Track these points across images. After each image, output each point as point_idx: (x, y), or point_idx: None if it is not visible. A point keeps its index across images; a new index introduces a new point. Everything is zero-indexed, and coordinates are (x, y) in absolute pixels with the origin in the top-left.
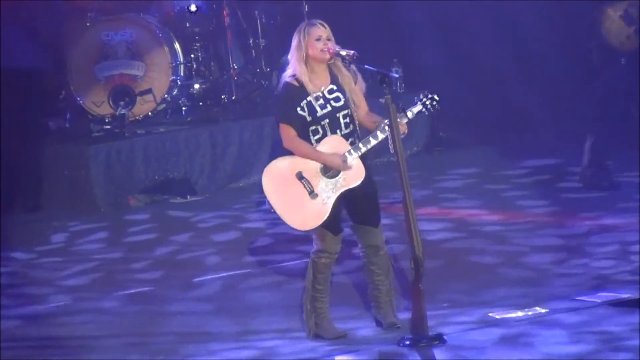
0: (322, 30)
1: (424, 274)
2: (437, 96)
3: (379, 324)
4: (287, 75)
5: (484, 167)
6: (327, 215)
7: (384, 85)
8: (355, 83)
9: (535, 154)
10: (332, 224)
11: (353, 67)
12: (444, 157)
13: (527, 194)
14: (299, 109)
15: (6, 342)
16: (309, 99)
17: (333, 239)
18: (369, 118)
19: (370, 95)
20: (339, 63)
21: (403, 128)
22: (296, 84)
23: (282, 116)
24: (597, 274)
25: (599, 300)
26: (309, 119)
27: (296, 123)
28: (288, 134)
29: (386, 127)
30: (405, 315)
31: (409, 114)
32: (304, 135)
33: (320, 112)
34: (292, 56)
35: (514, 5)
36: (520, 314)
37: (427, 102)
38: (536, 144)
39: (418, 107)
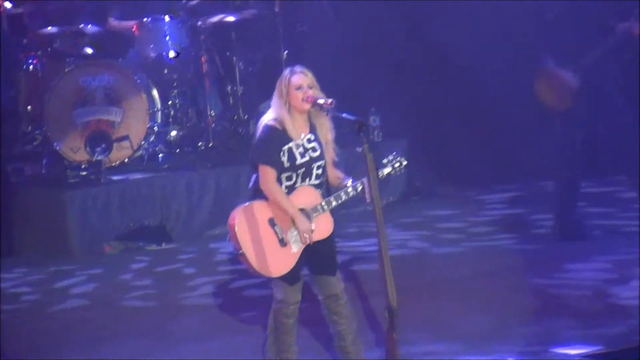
0: (302, 79)
1: (397, 321)
2: (405, 161)
3: None
4: (269, 119)
5: (460, 216)
6: (293, 265)
7: (362, 134)
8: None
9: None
10: (291, 273)
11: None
12: (420, 206)
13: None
14: (282, 153)
15: None
16: (290, 145)
17: (292, 289)
18: (333, 172)
19: (346, 145)
20: (320, 113)
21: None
22: (279, 127)
23: (264, 157)
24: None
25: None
26: (286, 165)
27: (277, 166)
28: (268, 176)
29: (358, 185)
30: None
31: (379, 174)
32: (277, 178)
33: (299, 161)
34: (275, 102)
35: (490, 56)
36: None
37: (396, 165)
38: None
39: (388, 169)
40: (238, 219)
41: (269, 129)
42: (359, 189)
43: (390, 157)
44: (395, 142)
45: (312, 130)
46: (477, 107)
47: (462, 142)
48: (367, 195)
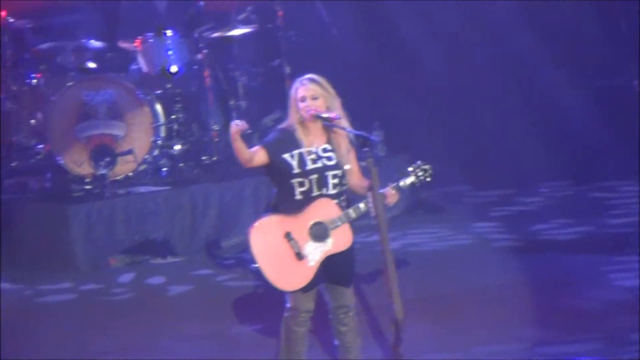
0: (306, 90)
1: (403, 333)
2: (429, 167)
3: None
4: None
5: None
6: (311, 278)
7: (366, 148)
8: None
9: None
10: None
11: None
12: (426, 219)
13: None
14: (287, 154)
15: None
16: (302, 150)
17: (305, 297)
18: (360, 182)
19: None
20: (338, 127)
21: (394, 198)
22: (289, 132)
23: (265, 141)
24: None
25: None
26: (297, 170)
27: (278, 157)
28: (255, 150)
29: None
30: None
31: (402, 184)
32: (288, 184)
33: (310, 166)
34: (289, 111)
35: (493, 65)
36: None
37: (420, 174)
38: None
39: (411, 179)
40: (254, 234)
41: (280, 129)
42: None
43: (413, 167)
44: (400, 156)
45: (329, 140)
46: (480, 120)
47: (468, 153)
48: (372, 210)
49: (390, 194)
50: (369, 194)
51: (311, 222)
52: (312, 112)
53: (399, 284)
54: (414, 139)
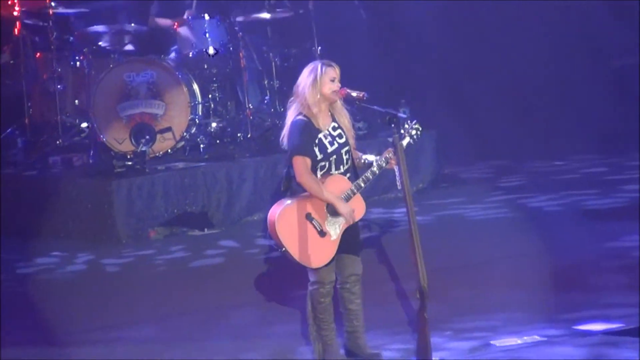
0: (335, 72)
1: (428, 302)
2: (418, 125)
3: (349, 354)
4: (295, 115)
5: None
6: (335, 252)
7: (392, 125)
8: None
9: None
10: None
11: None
12: (449, 193)
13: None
14: (313, 144)
15: None
16: (320, 136)
17: (328, 269)
18: (356, 155)
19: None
20: (339, 103)
21: (394, 162)
22: (308, 120)
23: (300, 149)
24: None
25: (598, 329)
26: (320, 156)
27: (312, 155)
28: (304, 166)
29: (384, 164)
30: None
31: (400, 146)
32: (313, 170)
33: (330, 149)
34: (305, 92)
35: (518, 47)
36: (519, 341)
37: (413, 133)
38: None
39: (406, 140)
40: (278, 220)
41: (301, 122)
42: (384, 164)
43: (407, 126)
44: (425, 132)
45: (334, 119)
46: (506, 97)
47: (490, 131)
48: (399, 182)
49: (394, 158)
50: (396, 170)
51: None
52: (344, 91)
53: (423, 254)
54: (436, 117)
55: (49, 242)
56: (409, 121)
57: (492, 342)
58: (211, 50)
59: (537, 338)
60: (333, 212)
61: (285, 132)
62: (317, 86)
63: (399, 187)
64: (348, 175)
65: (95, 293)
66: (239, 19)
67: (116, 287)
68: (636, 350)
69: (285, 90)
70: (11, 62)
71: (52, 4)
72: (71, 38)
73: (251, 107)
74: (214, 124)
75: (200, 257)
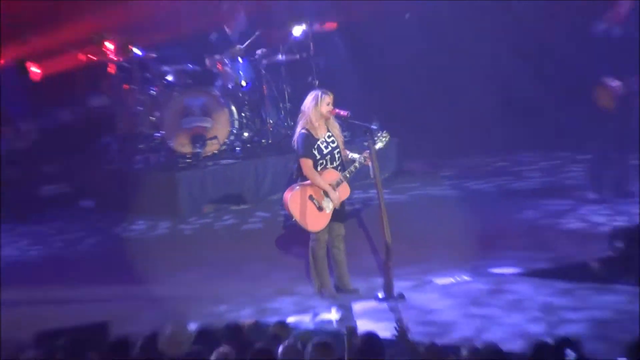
0: (329, 98)
1: (392, 254)
2: (387, 134)
3: (338, 289)
4: (301, 129)
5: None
6: (328, 221)
7: (367, 134)
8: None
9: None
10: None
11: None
12: (407, 180)
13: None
14: (313, 149)
15: None
16: (318, 142)
17: (322, 232)
18: (345, 153)
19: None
20: (332, 118)
21: (369, 160)
22: (309, 133)
23: (305, 153)
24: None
25: (503, 272)
26: (318, 156)
27: (313, 157)
28: (307, 165)
29: (362, 161)
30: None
31: (374, 149)
32: (314, 166)
33: (325, 151)
34: (309, 112)
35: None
36: (452, 280)
37: (383, 139)
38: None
39: (379, 144)
40: (290, 200)
41: (303, 135)
42: (362, 161)
43: (379, 134)
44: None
45: (329, 130)
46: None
47: (433, 136)
48: (372, 174)
49: (369, 157)
50: (370, 165)
51: None
52: (335, 111)
53: (389, 222)
54: (399, 127)
55: (136, 216)
56: (380, 131)
57: (433, 279)
58: (243, 83)
59: (465, 278)
60: (327, 194)
61: (294, 139)
62: (318, 108)
63: (372, 177)
64: (339, 168)
65: (178, 247)
66: (263, 61)
67: (191, 243)
68: (526, 284)
69: (295, 110)
70: (107, 93)
71: (135, 51)
72: (148, 75)
73: (271, 122)
74: (245, 134)
75: (245, 223)
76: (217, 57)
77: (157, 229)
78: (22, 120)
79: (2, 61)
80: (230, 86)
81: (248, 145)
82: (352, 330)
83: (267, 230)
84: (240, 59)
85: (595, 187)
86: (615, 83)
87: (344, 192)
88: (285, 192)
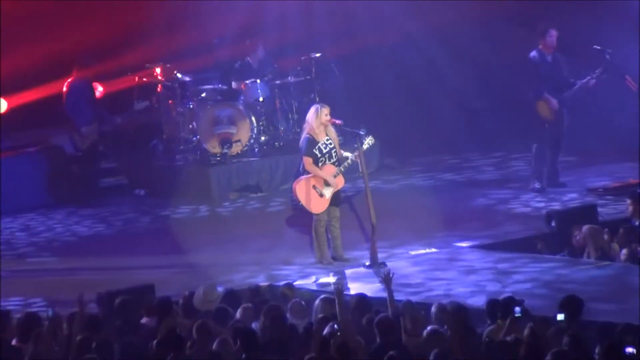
0: (327, 110)
1: (376, 231)
2: (372, 137)
3: (334, 259)
4: (305, 134)
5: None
6: (328, 205)
7: (356, 137)
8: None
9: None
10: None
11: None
12: (388, 173)
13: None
14: (315, 149)
15: None
16: (318, 144)
17: (322, 213)
18: (340, 152)
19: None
20: (330, 126)
21: (359, 158)
22: (312, 137)
23: (307, 153)
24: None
25: (464, 245)
26: (319, 155)
27: (314, 156)
28: (309, 162)
29: (354, 158)
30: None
31: (361, 150)
32: (315, 163)
33: (324, 151)
34: (311, 121)
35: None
36: (422, 251)
37: (369, 141)
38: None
39: (366, 145)
40: (297, 188)
41: (307, 139)
42: (353, 159)
43: (366, 138)
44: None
45: (327, 134)
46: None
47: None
48: (360, 168)
49: (358, 156)
50: (359, 162)
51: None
52: (332, 120)
53: (374, 205)
54: (380, 132)
55: (178, 201)
56: (366, 136)
57: (408, 251)
58: (261, 99)
59: (434, 250)
60: (327, 184)
61: (300, 142)
62: (318, 117)
63: (360, 171)
64: (335, 164)
65: (218, 226)
66: (276, 82)
67: (228, 224)
68: (481, 253)
69: (301, 120)
70: (156, 106)
71: (177, 75)
72: (187, 92)
73: (282, 129)
74: (263, 138)
75: (268, 207)
76: (241, 79)
77: (200, 211)
78: (88, 126)
79: (73, 79)
80: (250, 101)
81: (264, 147)
82: (340, 288)
83: (284, 212)
84: (258, 81)
85: (538, 179)
86: (553, 99)
87: (339, 182)
88: (294, 183)
